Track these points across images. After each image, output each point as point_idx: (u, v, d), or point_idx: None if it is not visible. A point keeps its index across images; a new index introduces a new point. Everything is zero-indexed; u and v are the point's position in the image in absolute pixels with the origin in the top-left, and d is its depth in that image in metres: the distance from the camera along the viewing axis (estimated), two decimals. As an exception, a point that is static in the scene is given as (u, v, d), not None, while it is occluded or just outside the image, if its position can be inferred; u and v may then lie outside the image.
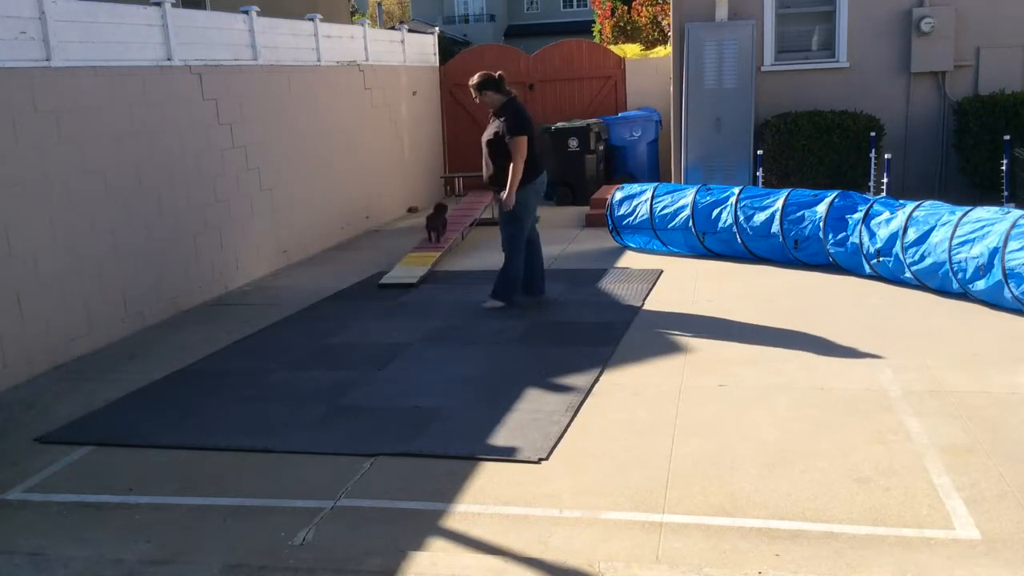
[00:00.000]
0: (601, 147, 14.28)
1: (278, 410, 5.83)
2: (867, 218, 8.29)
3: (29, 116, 6.85)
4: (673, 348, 6.65)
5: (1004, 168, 10.40)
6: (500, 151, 7.65)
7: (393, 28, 16.25)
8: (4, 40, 6.67)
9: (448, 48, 25.47)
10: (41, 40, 7.02)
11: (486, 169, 7.89)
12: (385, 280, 9.19)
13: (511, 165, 7.58)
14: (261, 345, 7.38)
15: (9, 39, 6.72)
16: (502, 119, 7.64)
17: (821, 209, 8.67)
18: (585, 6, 47.42)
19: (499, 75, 7.72)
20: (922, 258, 7.68)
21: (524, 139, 7.56)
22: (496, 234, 11.81)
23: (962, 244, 7.32)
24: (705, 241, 9.50)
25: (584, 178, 13.99)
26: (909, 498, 4.20)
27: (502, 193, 7.71)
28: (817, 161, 11.61)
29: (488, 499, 4.44)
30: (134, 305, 7.93)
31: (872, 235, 8.19)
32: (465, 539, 4.09)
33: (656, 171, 14.53)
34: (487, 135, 7.78)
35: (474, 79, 7.76)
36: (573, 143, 13.96)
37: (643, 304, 7.91)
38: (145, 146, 8.12)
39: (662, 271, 9.09)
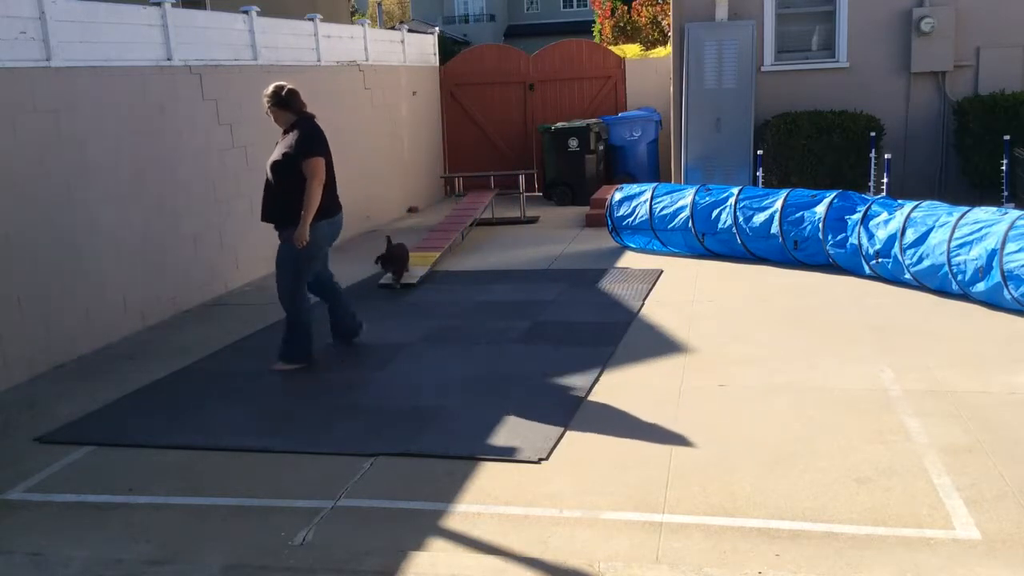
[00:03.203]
0: (601, 147, 14.29)
1: (278, 410, 5.83)
2: (865, 219, 8.29)
3: (29, 116, 6.85)
4: (673, 348, 6.65)
5: (1004, 168, 10.41)
6: (288, 175, 6.32)
7: (393, 28, 16.26)
8: (4, 40, 6.67)
9: (448, 48, 25.48)
10: (41, 40, 7.02)
11: (266, 204, 6.49)
12: (385, 280, 9.18)
13: (305, 192, 6.25)
14: (261, 345, 7.37)
15: (9, 39, 6.72)
16: (293, 137, 6.39)
17: (820, 210, 8.66)
18: (585, 6, 47.43)
19: (288, 90, 6.51)
20: (920, 260, 7.68)
21: (320, 161, 6.33)
22: (496, 234, 11.89)
23: (961, 246, 7.31)
24: (705, 242, 9.50)
25: (584, 178, 13.99)
26: (909, 498, 4.20)
27: (290, 230, 6.33)
28: (817, 161, 11.61)
29: (488, 499, 4.44)
30: (134, 305, 7.92)
31: (871, 236, 8.18)
32: (465, 539, 4.09)
33: (656, 171, 14.53)
34: (272, 157, 6.44)
35: (265, 90, 6.60)
36: (573, 143, 13.97)
37: (643, 304, 7.91)
38: (145, 146, 8.12)
39: (662, 271, 9.09)
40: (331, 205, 6.56)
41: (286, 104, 6.49)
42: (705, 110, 12.41)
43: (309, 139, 6.38)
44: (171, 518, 4.46)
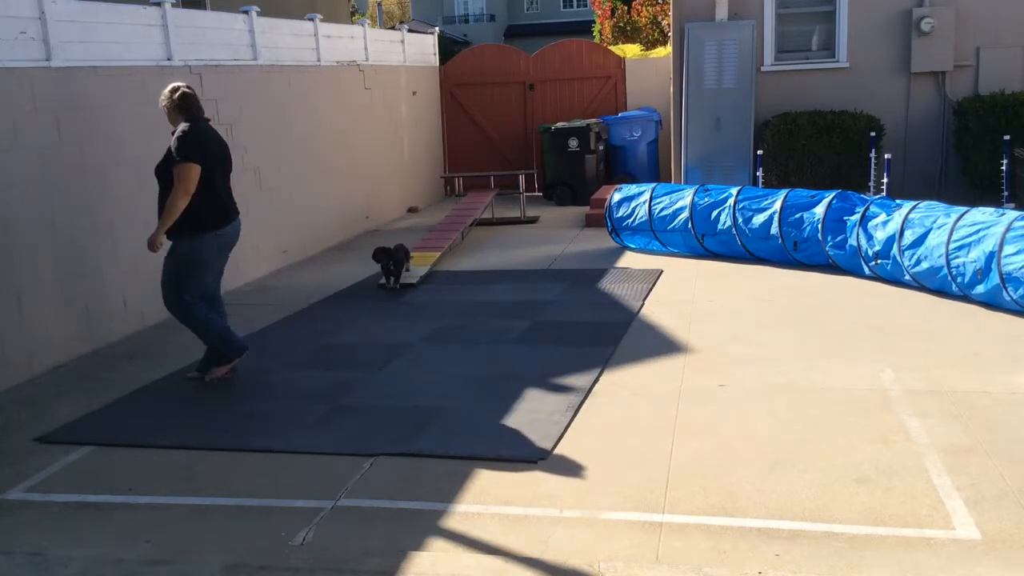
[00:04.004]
0: (601, 147, 14.29)
1: (278, 410, 5.83)
2: (864, 220, 8.28)
3: (29, 116, 6.85)
4: (673, 348, 6.65)
5: (1004, 168, 10.41)
6: (170, 180, 6.02)
7: (393, 28, 16.26)
8: (4, 40, 6.67)
9: (448, 48, 25.47)
10: (41, 40, 7.01)
11: (159, 210, 6.15)
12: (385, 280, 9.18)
13: (169, 197, 5.96)
14: (261, 345, 7.38)
15: (9, 39, 6.72)
16: (173, 140, 6.02)
17: (819, 211, 8.66)
18: (585, 6, 47.42)
19: (182, 93, 6.12)
20: (919, 261, 7.67)
21: (193, 167, 5.91)
22: (496, 234, 11.89)
23: (959, 248, 7.30)
24: (704, 243, 9.50)
25: (584, 178, 14.00)
26: (909, 498, 4.20)
27: (180, 240, 6.08)
28: (817, 161, 11.61)
29: (488, 499, 4.44)
30: (134, 305, 7.92)
31: (869, 238, 8.18)
32: (465, 539, 4.09)
33: (656, 171, 14.54)
34: (159, 161, 6.15)
35: (164, 90, 6.25)
36: (573, 143, 13.97)
37: (643, 304, 7.91)
38: (145, 146, 8.09)
39: (662, 271, 9.09)
40: (219, 216, 6.20)
41: (177, 107, 6.15)
42: (705, 110, 12.41)
43: (186, 144, 5.98)
44: (171, 518, 4.46)
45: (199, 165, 5.96)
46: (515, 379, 6.13)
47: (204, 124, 6.21)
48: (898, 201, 8.41)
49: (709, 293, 8.19)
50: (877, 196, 9.06)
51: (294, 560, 3.98)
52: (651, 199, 9.87)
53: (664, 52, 18.29)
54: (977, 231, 7.24)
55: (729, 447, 4.86)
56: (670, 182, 12.77)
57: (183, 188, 5.93)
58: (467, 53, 16.77)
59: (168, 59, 8.51)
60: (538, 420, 5.37)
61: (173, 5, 8.57)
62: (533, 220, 12.78)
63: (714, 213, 9.34)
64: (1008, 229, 6.98)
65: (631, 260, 9.76)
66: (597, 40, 26.96)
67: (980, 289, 7.17)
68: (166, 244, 6.20)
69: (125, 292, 7.83)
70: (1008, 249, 6.88)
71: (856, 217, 8.38)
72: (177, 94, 6.15)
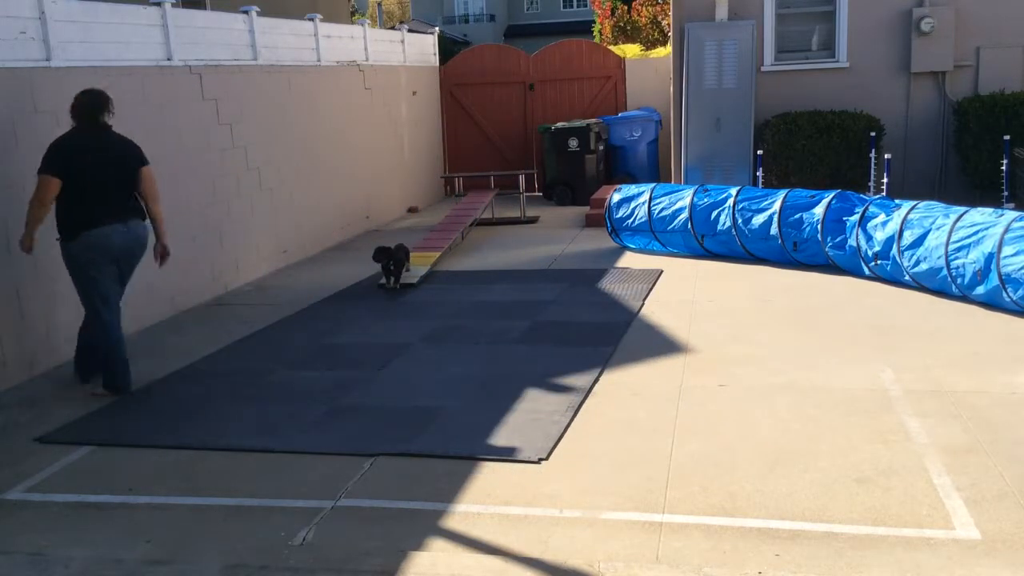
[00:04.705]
0: (601, 147, 14.30)
1: (278, 410, 5.83)
2: (863, 221, 8.28)
3: (29, 116, 6.85)
4: (673, 348, 6.65)
5: (1004, 168, 10.41)
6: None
7: (393, 28, 16.26)
8: (4, 40, 6.67)
9: (448, 48, 25.48)
10: (41, 40, 7.01)
11: None
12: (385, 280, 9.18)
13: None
14: (261, 345, 7.39)
15: (9, 39, 6.72)
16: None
17: (818, 212, 8.65)
18: (585, 6, 47.44)
19: (75, 102, 6.21)
20: (919, 262, 7.67)
21: (45, 180, 5.95)
22: (496, 234, 11.90)
23: (959, 249, 7.30)
24: (704, 243, 9.49)
25: (584, 178, 14.00)
26: (909, 498, 4.20)
27: (63, 246, 6.17)
28: (817, 161, 11.61)
29: (488, 499, 4.44)
30: (133, 305, 7.91)
31: (869, 238, 8.18)
32: (465, 539, 4.09)
33: (656, 171, 14.54)
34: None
35: None
36: (573, 143, 13.97)
37: (643, 304, 7.91)
38: (144, 146, 8.08)
39: (662, 271, 9.09)
40: (90, 219, 6.09)
41: (71, 113, 6.22)
42: (705, 110, 12.41)
43: (49, 153, 6.04)
44: (171, 518, 4.46)
45: (58, 178, 5.99)
46: (515, 379, 6.13)
47: (86, 132, 6.17)
48: (897, 201, 8.40)
49: (709, 293, 8.19)
50: (876, 196, 9.05)
51: (294, 560, 3.98)
52: (651, 199, 9.87)
53: (664, 52, 18.30)
54: (976, 232, 7.24)
55: (729, 447, 4.86)
56: (670, 182, 12.78)
57: (36, 197, 6.06)
58: (467, 53, 16.78)
59: (168, 59, 8.51)
60: (538, 420, 5.37)
61: (173, 5, 8.57)
62: (533, 220, 12.78)
63: (714, 213, 9.33)
64: (1006, 230, 6.98)
65: (631, 260, 9.76)
66: (597, 40, 26.97)
67: (980, 290, 7.17)
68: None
69: (124, 292, 7.81)
70: (1007, 250, 6.88)
71: (855, 217, 8.37)
72: (73, 101, 6.21)
